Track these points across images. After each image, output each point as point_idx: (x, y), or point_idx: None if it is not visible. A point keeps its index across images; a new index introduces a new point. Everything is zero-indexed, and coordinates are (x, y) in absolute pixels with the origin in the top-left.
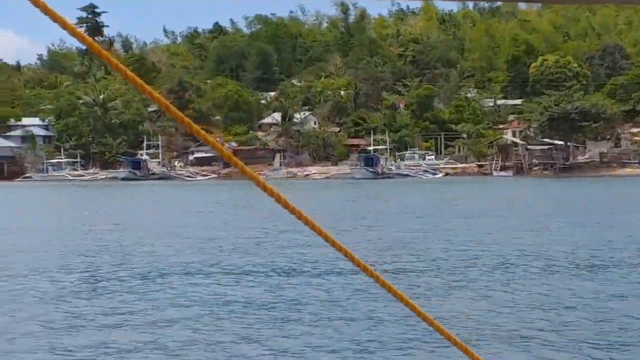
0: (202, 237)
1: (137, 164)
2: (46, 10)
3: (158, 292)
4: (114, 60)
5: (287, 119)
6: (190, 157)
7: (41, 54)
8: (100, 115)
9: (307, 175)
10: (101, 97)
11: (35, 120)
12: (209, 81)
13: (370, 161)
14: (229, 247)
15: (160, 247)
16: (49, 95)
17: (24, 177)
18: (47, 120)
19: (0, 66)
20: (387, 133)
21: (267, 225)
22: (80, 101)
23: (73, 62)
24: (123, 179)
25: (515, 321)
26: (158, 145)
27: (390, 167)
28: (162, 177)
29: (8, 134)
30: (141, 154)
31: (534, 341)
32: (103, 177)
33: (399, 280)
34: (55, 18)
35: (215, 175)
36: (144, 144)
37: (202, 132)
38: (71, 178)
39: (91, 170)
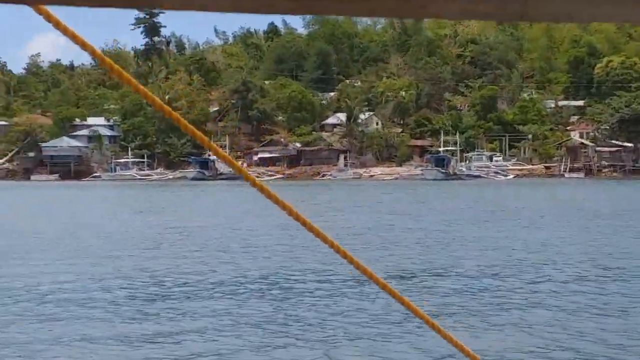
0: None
1: (205, 164)
2: (65, 32)
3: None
4: (126, 75)
5: (352, 120)
6: (255, 158)
7: None
8: (165, 115)
9: (372, 176)
10: (167, 97)
11: (100, 120)
12: (266, 82)
13: (441, 162)
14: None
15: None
16: (113, 96)
17: (92, 177)
18: (112, 120)
19: (57, 66)
20: (457, 134)
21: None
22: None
23: (127, 63)
24: (192, 178)
25: None
26: (225, 145)
27: (460, 168)
28: (230, 177)
29: (74, 133)
30: (209, 154)
31: None
32: (171, 177)
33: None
34: (75, 40)
35: (281, 176)
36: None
37: (204, 137)
38: (139, 177)
39: (158, 170)
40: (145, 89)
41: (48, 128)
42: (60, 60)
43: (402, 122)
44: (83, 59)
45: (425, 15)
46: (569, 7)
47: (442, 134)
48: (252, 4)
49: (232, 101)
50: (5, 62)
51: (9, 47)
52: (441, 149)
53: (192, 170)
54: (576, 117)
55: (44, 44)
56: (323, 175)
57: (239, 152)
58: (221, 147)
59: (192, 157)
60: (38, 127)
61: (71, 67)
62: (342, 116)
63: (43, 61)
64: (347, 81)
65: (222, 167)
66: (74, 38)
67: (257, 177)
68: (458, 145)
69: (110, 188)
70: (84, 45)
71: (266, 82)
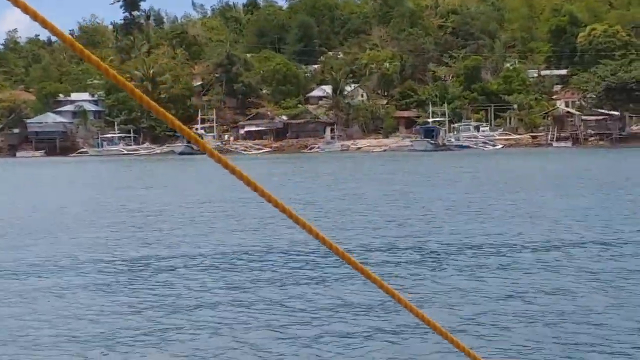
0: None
1: None
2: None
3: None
4: (95, 58)
5: (337, 92)
6: (241, 131)
7: (72, 30)
8: (149, 90)
9: (360, 148)
10: (151, 71)
11: (85, 96)
12: (248, 55)
13: (430, 133)
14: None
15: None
16: (97, 71)
17: (79, 152)
18: (96, 95)
19: (35, 42)
20: (445, 105)
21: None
22: (128, 76)
23: (106, 37)
24: (181, 153)
25: None
26: (213, 119)
27: (449, 138)
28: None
29: (58, 109)
30: (196, 128)
31: None
32: (158, 151)
33: None
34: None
35: (269, 149)
36: (199, 118)
37: (171, 116)
38: (126, 152)
39: (145, 145)
40: (113, 70)
41: (32, 104)
42: (39, 35)
43: (386, 93)
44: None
45: None
46: None
47: (430, 105)
48: None
49: (216, 75)
50: None
51: None
52: (430, 120)
53: (179, 144)
54: (559, 86)
55: (18, 20)
56: (311, 148)
57: (225, 126)
58: (208, 121)
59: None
60: (22, 103)
61: (49, 42)
62: (327, 88)
63: (20, 37)
64: (330, 53)
65: (210, 141)
66: (43, 23)
67: (245, 150)
68: (447, 116)
69: (101, 163)
70: (53, 30)
71: (248, 55)
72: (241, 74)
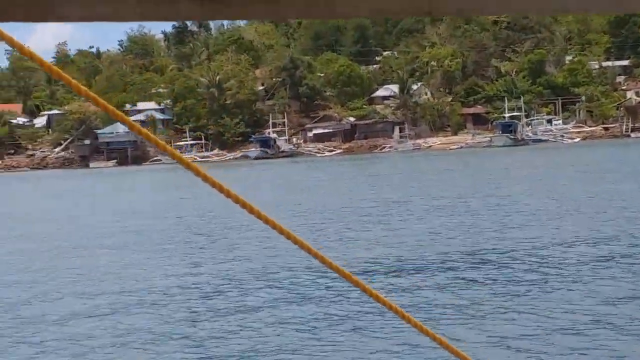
0: None
1: (266, 143)
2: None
3: None
4: (76, 83)
5: (405, 91)
6: (309, 134)
7: (122, 40)
8: (216, 96)
9: (430, 146)
10: (217, 78)
11: (151, 104)
12: (306, 57)
13: (508, 128)
14: None
15: None
16: (163, 79)
17: (152, 161)
18: (163, 103)
19: (85, 54)
20: (521, 99)
21: None
22: (196, 83)
23: (155, 47)
24: (255, 158)
25: None
26: (284, 123)
27: (527, 133)
28: (291, 155)
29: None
30: (268, 133)
31: None
32: (231, 157)
33: None
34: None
35: (340, 150)
36: (270, 122)
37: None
38: (199, 160)
39: (215, 151)
40: (91, 92)
41: (100, 115)
42: (92, 47)
43: (449, 91)
44: (109, 45)
45: (334, 16)
46: (474, 2)
47: (505, 101)
48: (157, 13)
49: (280, 79)
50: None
51: (23, 34)
52: (506, 114)
53: (253, 149)
54: (622, 77)
55: (52, 31)
56: (382, 148)
57: (292, 129)
58: (278, 125)
59: (253, 136)
60: (92, 114)
61: (97, 54)
62: (394, 88)
63: (70, 50)
64: (388, 53)
65: (283, 145)
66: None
67: (318, 152)
68: (523, 110)
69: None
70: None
71: (305, 58)
72: (305, 76)
